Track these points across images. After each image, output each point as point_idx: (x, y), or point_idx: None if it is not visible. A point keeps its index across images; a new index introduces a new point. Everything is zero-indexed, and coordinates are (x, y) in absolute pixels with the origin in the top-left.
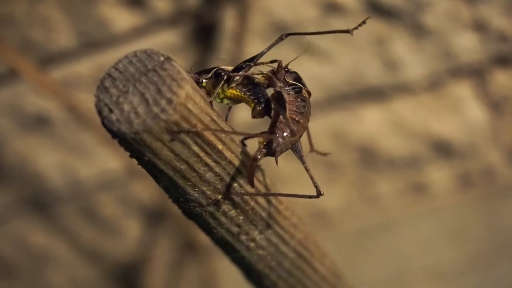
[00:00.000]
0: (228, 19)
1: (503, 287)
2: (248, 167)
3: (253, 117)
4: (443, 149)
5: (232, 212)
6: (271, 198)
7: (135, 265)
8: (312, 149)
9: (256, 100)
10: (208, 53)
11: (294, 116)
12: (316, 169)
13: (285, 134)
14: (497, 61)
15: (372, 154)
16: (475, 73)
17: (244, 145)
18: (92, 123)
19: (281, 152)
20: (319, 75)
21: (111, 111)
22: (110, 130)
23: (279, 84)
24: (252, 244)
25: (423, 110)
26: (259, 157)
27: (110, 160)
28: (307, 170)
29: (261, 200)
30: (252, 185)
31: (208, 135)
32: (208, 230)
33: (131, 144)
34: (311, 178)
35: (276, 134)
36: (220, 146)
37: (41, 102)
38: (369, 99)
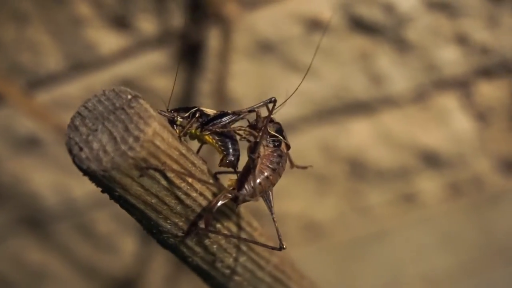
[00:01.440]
0: (213, 38)
1: None
2: (208, 210)
3: (220, 166)
4: (431, 160)
5: (206, 241)
6: (245, 225)
7: (131, 280)
8: (292, 165)
9: (225, 153)
10: (194, 72)
11: (265, 172)
12: (307, 182)
13: (250, 188)
14: (480, 73)
15: (361, 166)
16: (460, 85)
17: (216, 178)
18: None
19: (244, 202)
20: (307, 91)
21: (81, 149)
22: (80, 168)
23: (260, 135)
24: (227, 271)
25: (410, 122)
26: (220, 202)
27: None
28: (274, 221)
29: (234, 228)
30: (207, 226)
31: (177, 168)
32: (183, 258)
33: (101, 181)
34: (277, 230)
35: (242, 187)
36: (189, 180)
37: (32, 124)
38: (356, 113)
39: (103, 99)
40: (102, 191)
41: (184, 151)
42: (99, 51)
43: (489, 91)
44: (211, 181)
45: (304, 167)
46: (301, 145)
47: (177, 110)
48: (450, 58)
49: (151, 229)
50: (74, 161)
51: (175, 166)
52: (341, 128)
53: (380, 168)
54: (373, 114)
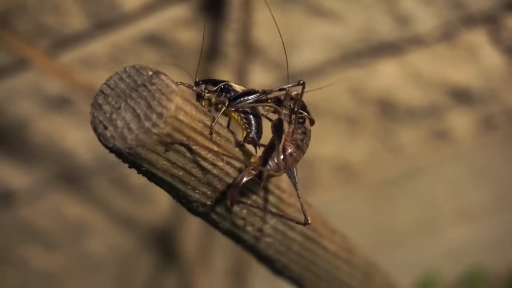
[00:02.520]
0: None
1: None
2: (232, 188)
3: (242, 143)
4: (462, 96)
5: (235, 207)
6: (273, 188)
7: (169, 228)
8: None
9: (248, 130)
10: (218, 23)
11: (289, 148)
12: (338, 125)
13: (274, 165)
14: (508, 6)
15: (391, 106)
16: (488, 20)
17: (242, 146)
18: None
19: (268, 178)
20: (332, 35)
21: (105, 127)
22: (106, 146)
23: (284, 112)
24: (258, 234)
25: (439, 60)
26: (245, 179)
27: None
28: (298, 197)
29: (261, 192)
30: (232, 204)
31: (202, 140)
32: (214, 224)
33: (128, 158)
34: (302, 205)
35: (266, 163)
36: (215, 149)
37: (61, 84)
38: (384, 54)
39: (124, 76)
40: (129, 167)
41: (208, 122)
42: (123, 8)
43: None
44: (236, 149)
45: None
46: (329, 89)
47: (206, 82)
48: None
49: (180, 199)
50: (99, 140)
51: (199, 138)
52: (369, 70)
53: (410, 107)
54: (400, 55)
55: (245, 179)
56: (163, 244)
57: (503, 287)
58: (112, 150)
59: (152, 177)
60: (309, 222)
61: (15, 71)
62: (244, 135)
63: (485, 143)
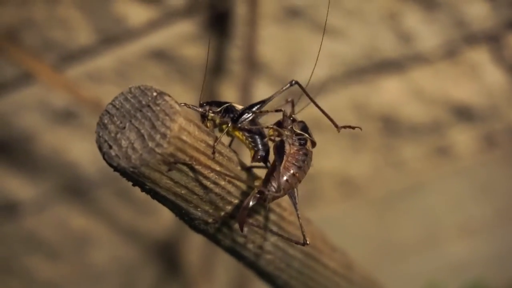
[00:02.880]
0: (240, 5)
1: None
2: (240, 212)
3: (252, 162)
4: (464, 113)
5: (236, 225)
6: (274, 206)
7: (172, 240)
8: (338, 127)
9: (256, 149)
10: (223, 40)
11: (291, 169)
12: (341, 140)
13: (276, 186)
14: (510, 26)
15: (394, 122)
16: (490, 39)
17: (244, 166)
18: None
19: (273, 200)
20: (336, 52)
21: (110, 147)
22: (110, 165)
23: (286, 133)
24: (259, 251)
25: (441, 78)
26: (251, 203)
27: None
28: (298, 217)
29: (263, 211)
30: (242, 229)
31: (204, 160)
32: (215, 241)
33: (131, 176)
34: (301, 226)
35: (268, 186)
36: (217, 168)
37: (67, 97)
38: (387, 71)
39: (129, 96)
40: (133, 185)
41: (210, 142)
42: (129, 24)
43: None
44: (238, 168)
45: (353, 127)
46: (333, 105)
47: (210, 104)
48: (479, 12)
49: (182, 216)
50: (104, 158)
51: (202, 158)
52: (372, 86)
53: (413, 124)
54: (403, 72)
55: (251, 204)
56: (166, 256)
57: None
58: (116, 169)
59: (155, 195)
60: (308, 242)
61: (22, 85)
62: (252, 154)
63: (486, 159)
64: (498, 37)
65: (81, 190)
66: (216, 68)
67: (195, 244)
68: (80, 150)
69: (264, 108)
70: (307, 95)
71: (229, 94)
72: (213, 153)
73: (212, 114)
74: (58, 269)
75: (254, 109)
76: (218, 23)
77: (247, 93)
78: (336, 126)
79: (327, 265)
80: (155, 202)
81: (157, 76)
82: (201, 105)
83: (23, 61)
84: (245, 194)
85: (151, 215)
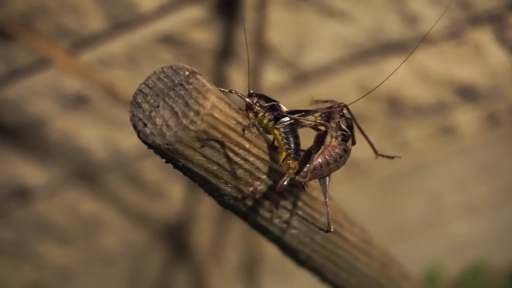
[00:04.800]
0: None
1: None
2: (275, 193)
3: (280, 164)
4: (468, 93)
5: (264, 201)
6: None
7: (181, 224)
8: (376, 153)
9: (289, 151)
10: (232, 24)
11: (328, 159)
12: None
13: (307, 171)
14: None
15: (399, 104)
16: (493, 19)
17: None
18: (126, 97)
19: (307, 182)
20: (342, 35)
21: (145, 125)
22: (145, 142)
23: (332, 126)
24: (284, 226)
25: (446, 59)
26: (285, 183)
27: None
28: (326, 205)
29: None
30: (277, 208)
31: (235, 136)
32: (243, 216)
33: (166, 153)
34: (327, 213)
35: (301, 169)
36: (247, 145)
37: (78, 83)
38: (392, 53)
39: (162, 76)
40: (166, 162)
41: (240, 119)
42: (139, 9)
43: None
44: (265, 144)
45: (391, 157)
46: (339, 86)
47: (258, 96)
48: None
49: (212, 192)
50: (139, 136)
51: (232, 135)
52: (377, 68)
53: (417, 105)
54: (408, 53)
55: (285, 184)
56: (176, 240)
57: (506, 281)
58: (151, 146)
59: (187, 172)
60: (332, 230)
61: (33, 71)
62: (284, 156)
63: (489, 139)
64: (502, 17)
65: (91, 175)
66: (225, 52)
67: (204, 227)
68: (91, 135)
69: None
70: (353, 119)
71: (238, 77)
72: (243, 130)
73: (259, 108)
74: (68, 254)
75: (297, 115)
76: (228, 8)
77: (256, 76)
78: (375, 152)
79: (348, 239)
80: (164, 185)
81: (166, 60)
82: (250, 95)
83: (37, 47)
84: (272, 170)
85: (160, 199)
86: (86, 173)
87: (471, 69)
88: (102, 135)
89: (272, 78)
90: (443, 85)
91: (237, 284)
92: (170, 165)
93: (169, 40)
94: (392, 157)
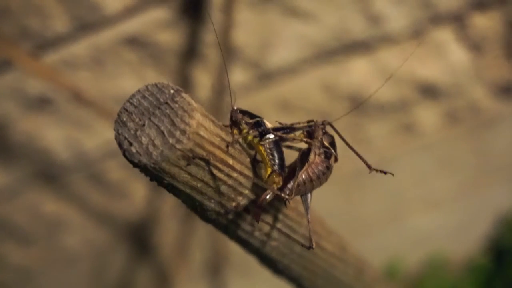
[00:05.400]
0: None
1: (492, 207)
2: (256, 209)
3: (265, 181)
4: (429, 91)
5: (245, 215)
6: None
7: (145, 223)
8: (370, 168)
9: (274, 167)
10: (198, 24)
11: (311, 176)
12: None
13: (291, 188)
14: (474, 5)
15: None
16: (455, 19)
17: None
18: (90, 99)
19: (287, 200)
20: (307, 35)
21: (130, 144)
22: (131, 162)
23: (316, 143)
24: (265, 238)
25: (407, 57)
26: (268, 198)
27: (110, 131)
28: (308, 222)
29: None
30: (258, 221)
31: (219, 153)
32: (224, 230)
33: (151, 172)
34: (309, 231)
35: (285, 185)
36: (230, 161)
37: (42, 84)
38: (356, 52)
39: (146, 94)
40: (151, 179)
41: (224, 136)
42: (104, 11)
43: (482, 22)
44: (248, 159)
45: (385, 172)
46: (303, 85)
47: (243, 113)
48: None
49: (195, 208)
50: (124, 155)
51: (217, 152)
52: (341, 67)
53: (380, 102)
54: (371, 53)
55: (268, 199)
56: (139, 238)
57: (463, 272)
58: (137, 165)
59: (172, 189)
60: (313, 247)
61: None
62: (269, 172)
63: (449, 135)
64: (462, 17)
65: (54, 176)
66: (191, 53)
67: (169, 226)
68: (54, 136)
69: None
70: (340, 136)
71: (203, 78)
72: (227, 147)
73: (244, 125)
74: (30, 254)
75: (281, 132)
76: (193, 9)
77: (221, 76)
78: (369, 167)
79: (325, 248)
80: (127, 185)
81: (131, 61)
82: (234, 111)
83: (1, 49)
84: (255, 185)
85: (123, 199)
86: (49, 174)
87: (432, 67)
88: (66, 136)
89: (237, 78)
90: (405, 83)
91: (202, 282)
92: None
93: (134, 42)
94: (385, 173)
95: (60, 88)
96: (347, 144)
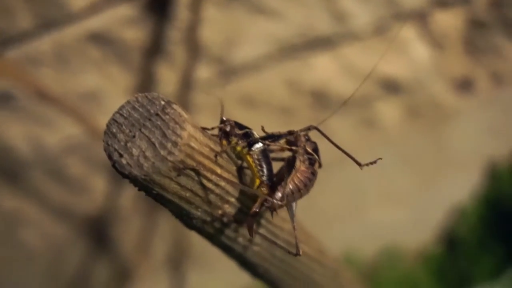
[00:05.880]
0: None
1: (446, 199)
2: (248, 220)
3: (256, 192)
4: (391, 87)
5: (230, 222)
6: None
7: (105, 218)
8: (361, 165)
9: (262, 177)
10: (164, 22)
11: (298, 184)
12: (273, 115)
13: (280, 196)
14: (436, 3)
15: (325, 97)
16: (418, 16)
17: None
18: (52, 95)
19: (278, 208)
20: (272, 32)
21: (120, 155)
22: (121, 173)
23: (300, 151)
24: (248, 244)
25: (371, 54)
26: (258, 210)
27: (73, 127)
28: (294, 229)
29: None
30: (251, 234)
31: (208, 163)
32: (208, 237)
33: (142, 183)
34: (296, 238)
35: (275, 195)
36: (219, 171)
37: (3, 81)
38: (320, 49)
39: (137, 105)
40: (139, 189)
41: (213, 146)
42: (69, 8)
43: (444, 20)
44: (235, 168)
45: (374, 162)
46: (267, 81)
47: (232, 124)
48: None
49: (182, 216)
50: (114, 167)
51: (206, 162)
52: (305, 63)
53: (342, 98)
54: (335, 49)
55: (258, 210)
56: (99, 234)
57: (417, 263)
58: (127, 176)
59: (161, 199)
60: (300, 254)
61: None
62: (258, 182)
63: (409, 130)
64: (425, 14)
65: (12, 171)
66: (156, 50)
67: (130, 221)
68: (14, 132)
69: None
70: (328, 139)
71: (168, 76)
72: (216, 156)
73: (234, 137)
74: None
75: (268, 140)
76: (158, 6)
77: (187, 74)
78: (359, 164)
79: (305, 251)
80: (86, 181)
81: (95, 58)
82: (223, 121)
83: None
84: (242, 193)
85: (82, 194)
86: (7, 169)
87: (394, 63)
88: (26, 132)
89: (201, 74)
90: (368, 79)
91: (163, 276)
92: (94, 160)
93: (98, 38)
94: (375, 161)
95: (22, 84)
96: (335, 145)
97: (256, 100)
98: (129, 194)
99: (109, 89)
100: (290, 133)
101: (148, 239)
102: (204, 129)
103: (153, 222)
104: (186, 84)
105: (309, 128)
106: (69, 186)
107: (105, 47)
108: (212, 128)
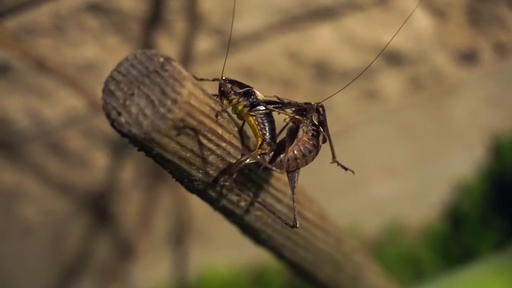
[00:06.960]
0: None
1: (449, 173)
2: (236, 163)
3: (256, 150)
4: (393, 58)
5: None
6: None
7: (106, 192)
8: (334, 159)
9: (264, 137)
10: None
11: (296, 153)
12: (273, 87)
13: (279, 162)
14: None
15: (326, 69)
16: None
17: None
18: (49, 66)
19: (266, 169)
20: (273, 1)
21: (119, 114)
22: (120, 132)
23: (305, 121)
24: (250, 208)
25: (373, 24)
26: (248, 160)
27: (72, 99)
28: (293, 201)
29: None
30: (231, 175)
31: (209, 123)
32: (210, 201)
33: (141, 142)
34: (294, 209)
35: (275, 159)
36: (220, 131)
37: (1, 51)
38: (321, 19)
39: (135, 63)
40: (139, 150)
41: (213, 105)
42: None
43: None
44: (236, 129)
45: (345, 168)
46: (268, 52)
47: (232, 82)
48: None
49: (182, 178)
50: (113, 125)
51: (207, 121)
52: (306, 34)
53: (344, 69)
54: (337, 19)
55: (248, 161)
56: (100, 208)
57: (420, 237)
58: (126, 135)
59: (160, 160)
60: (297, 226)
61: None
62: (260, 142)
63: (412, 102)
64: None
65: (12, 145)
66: (155, 20)
67: (131, 195)
68: (13, 104)
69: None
70: (324, 119)
71: (167, 45)
72: (216, 116)
73: (234, 95)
74: None
75: (272, 106)
76: None
77: (187, 44)
78: (333, 157)
79: (307, 217)
80: (87, 154)
81: (93, 28)
82: (223, 80)
83: None
84: (244, 155)
85: (83, 168)
86: (6, 143)
87: (397, 34)
88: (25, 104)
89: (201, 45)
90: (370, 50)
91: (165, 251)
92: (94, 133)
93: (96, 8)
94: (346, 169)
95: (20, 55)
96: (326, 130)
97: (256, 71)
98: (130, 169)
99: (108, 60)
100: (306, 104)
101: (150, 214)
102: (202, 80)
103: (154, 197)
104: (186, 55)
105: (316, 104)
106: (69, 160)
107: (103, 17)
108: (213, 80)
